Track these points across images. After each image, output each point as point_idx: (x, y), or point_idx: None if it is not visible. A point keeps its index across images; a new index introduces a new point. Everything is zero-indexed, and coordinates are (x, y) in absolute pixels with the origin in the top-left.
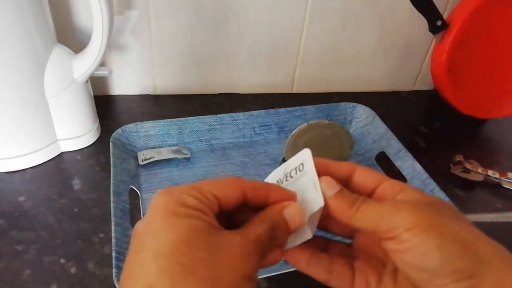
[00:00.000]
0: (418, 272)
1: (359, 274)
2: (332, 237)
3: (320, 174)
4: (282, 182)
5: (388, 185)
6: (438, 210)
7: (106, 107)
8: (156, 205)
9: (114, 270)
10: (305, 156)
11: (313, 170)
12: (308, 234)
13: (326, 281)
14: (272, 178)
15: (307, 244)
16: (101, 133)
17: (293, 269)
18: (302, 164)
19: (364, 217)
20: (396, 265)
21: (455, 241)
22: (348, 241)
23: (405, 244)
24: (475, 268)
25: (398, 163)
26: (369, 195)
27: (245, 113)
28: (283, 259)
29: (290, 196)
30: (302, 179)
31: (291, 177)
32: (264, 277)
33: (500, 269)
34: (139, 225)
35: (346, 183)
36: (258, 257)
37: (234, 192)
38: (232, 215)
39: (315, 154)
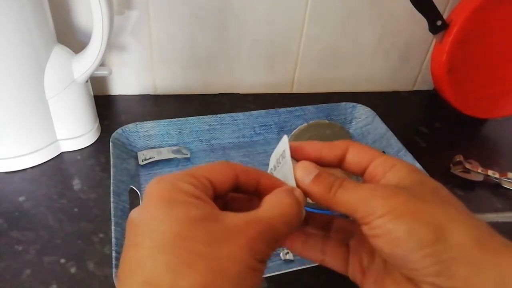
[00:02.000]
0: (390, 257)
1: (353, 253)
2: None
3: (312, 159)
4: (274, 170)
5: (379, 162)
6: (417, 193)
7: (106, 107)
8: (151, 193)
9: (114, 270)
10: (284, 143)
11: (288, 156)
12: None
13: (321, 262)
14: (267, 168)
15: (306, 225)
16: (101, 133)
17: (293, 269)
18: (284, 151)
19: (340, 202)
20: None
21: (426, 226)
22: None
23: (376, 230)
24: (445, 254)
25: None
26: (362, 173)
27: (245, 113)
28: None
29: (279, 183)
30: (285, 166)
31: (278, 164)
32: (264, 277)
33: (472, 254)
34: (134, 213)
35: (340, 163)
36: (267, 244)
37: (227, 175)
38: (228, 205)
39: None
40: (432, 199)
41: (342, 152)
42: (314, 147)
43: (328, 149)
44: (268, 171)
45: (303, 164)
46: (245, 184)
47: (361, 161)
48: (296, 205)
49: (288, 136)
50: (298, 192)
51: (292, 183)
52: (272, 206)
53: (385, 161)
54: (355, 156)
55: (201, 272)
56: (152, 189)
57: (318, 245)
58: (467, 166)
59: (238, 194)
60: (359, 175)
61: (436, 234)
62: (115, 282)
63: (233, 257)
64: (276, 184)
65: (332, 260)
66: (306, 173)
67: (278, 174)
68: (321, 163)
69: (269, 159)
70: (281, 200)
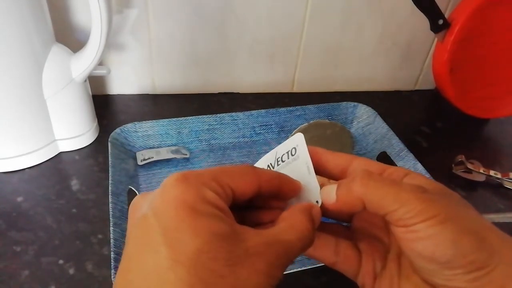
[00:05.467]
0: (427, 262)
1: (365, 257)
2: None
3: (320, 167)
4: (273, 167)
5: (392, 171)
6: (451, 200)
7: (105, 107)
8: (174, 194)
9: (112, 271)
10: (297, 140)
11: (306, 154)
12: None
13: (332, 264)
14: (263, 163)
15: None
16: (99, 133)
17: (293, 270)
18: (294, 148)
19: (378, 198)
20: (402, 251)
21: (469, 233)
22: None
23: (417, 234)
24: (488, 260)
25: (399, 163)
26: None
27: (245, 112)
28: None
29: (298, 186)
30: (295, 163)
31: (282, 161)
32: None
33: (509, 260)
34: (144, 203)
35: (340, 174)
36: (284, 267)
37: (251, 185)
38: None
39: None
40: (463, 205)
41: (345, 164)
42: (313, 152)
43: (328, 158)
44: (263, 166)
45: (323, 190)
46: (267, 192)
47: (371, 170)
48: (312, 227)
49: (288, 136)
50: (315, 212)
51: (308, 180)
52: (291, 227)
53: (397, 170)
54: (360, 168)
55: None
56: (175, 190)
57: (331, 246)
58: (469, 166)
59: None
60: None
61: (479, 241)
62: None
63: (250, 281)
64: (294, 188)
65: (344, 263)
66: (326, 194)
67: (282, 170)
68: (322, 173)
69: None
70: (300, 222)
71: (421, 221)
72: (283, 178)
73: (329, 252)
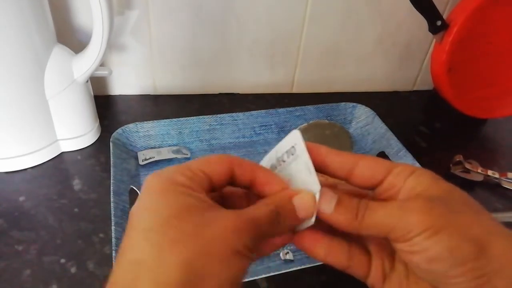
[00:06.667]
0: (427, 273)
1: (375, 258)
2: None
3: (324, 166)
4: (276, 168)
5: (400, 170)
6: (449, 203)
7: (106, 107)
8: (148, 185)
9: None
10: (295, 138)
11: (305, 153)
12: (311, 220)
13: (345, 269)
14: (265, 164)
15: (321, 230)
16: (101, 133)
17: (293, 269)
18: (293, 147)
19: (372, 225)
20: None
21: (466, 241)
22: None
23: (414, 247)
24: (487, 267)
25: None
26: (375, 186)
27: (245, 113)
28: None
29: (275, 180)
30: (295, 163)
31: (283, 161)
32: (264, 277)
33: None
34: (133, 207)
35: (346, 175)
36: (252, 236)
37: (223, 167)
38: (225, 200)
39: None
40: (465, 209)
41: (351, 165)
42: (316, 152)
43: (333, 158)
44: (268, 166)
45: (324, 193)
46: (240, 177)
47: (376, 173)
48: (276, 214)
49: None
50: (301, 201)
51: (308, 180)
52: (259, 206)
53: (404, 169)
54: (367, 169)
55: (188, 249)
56: (148, 182)
57: (345, 252)
58: (467, 166)
59: (236, 189)
60: (370, 189)
61: (478, 249)
62: None
63: (220, 238)
64: (271, 181)
65: (357, 267)
66: (325, 201)
67: (284, 172)
68: (326, 173)
69: None
70: (270, 202)
71: (416, 234)
72: (257, 165)
73: (343, 258)
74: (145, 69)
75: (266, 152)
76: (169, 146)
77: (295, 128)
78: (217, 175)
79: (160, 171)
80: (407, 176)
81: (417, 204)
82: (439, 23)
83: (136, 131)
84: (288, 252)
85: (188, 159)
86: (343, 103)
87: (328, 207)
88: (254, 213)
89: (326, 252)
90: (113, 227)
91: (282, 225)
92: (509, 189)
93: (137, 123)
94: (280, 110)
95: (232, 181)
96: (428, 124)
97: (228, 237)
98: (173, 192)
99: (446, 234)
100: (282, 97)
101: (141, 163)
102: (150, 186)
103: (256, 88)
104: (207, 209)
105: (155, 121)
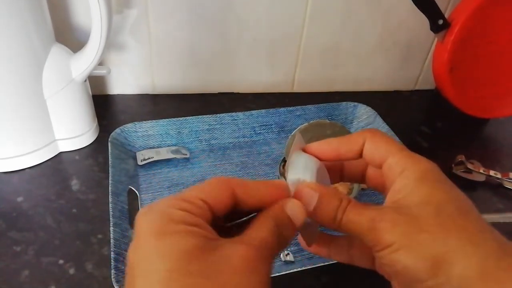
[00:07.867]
0: (395, 281)
1: None
2: None
3: (331, 159)
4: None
5: (392, 163)
6: (420, 217)
7: (105, 107)
8: (140, 226)
9: (112, 271)
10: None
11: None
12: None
13: (349, 262)
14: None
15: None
16: (99, 133)
17: (294, 270)
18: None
19: (348, 230)
20: None
21: (424, 260)
22: None
23: (382, 260)
24: (446, 286)
25: None
26: (380, 167)
27: (245, 112)
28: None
29: (282, 188)
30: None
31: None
32: None
33: (475, 286)
34: (129, 252)
35: (360, 156)
36: (267, 265)
37: (223, 192)
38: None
39: None
40: (435, 222)
41: (360, 147)
42: (332, 147)
43: (346, 146)
44: (294, 179)
45: (302, 190)
46: (246, 200)
47: (375, 158)
48: (275, 232)
49: (288, 136)
50: (290, 206)
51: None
52: (260, 226)
53: (396, 163)
54: (370, 152)
55: None
56: (141, 222)
57: (345, 246)
58: (469, 166)
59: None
60: (379, 168)
61: (436, 267)
62: (114, 284)
63: (232, 282)
64: (278, 192)
65: (360, 259)
66: (307, 200)
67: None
68: (341, 160)
69: (269, 159)
70: (262, 226)
71: (382, 249)
72: (260, 182)
73: (344, 254)
74: (144, 68)
75: (266, 152)
76: (168, 146)
77: (295, 127)
78: (218, 201)
79: (151, 207)
80: (396, 176)
81: (387, 217)
82: (440, 22)
83: (135, 131)
84: (288, 254)
85: (187, 159)
86: (344, 102)
87: (309, 207)
88: (261, 236)
89: (329, 252)
90: (111, 228)
91: (285, 234)
92: (511, 189)
93: (135, 122)
94: (281, 109)
95: (236, 204)
96: (429, 124)
97: (242, 280)
98: (170, 235)
99: (405, 252)
100: (283, 97)
101: (139, 163)
102: (143, 228)
103: (256, 88)
104: (211, 249)
105: (153, 120)
